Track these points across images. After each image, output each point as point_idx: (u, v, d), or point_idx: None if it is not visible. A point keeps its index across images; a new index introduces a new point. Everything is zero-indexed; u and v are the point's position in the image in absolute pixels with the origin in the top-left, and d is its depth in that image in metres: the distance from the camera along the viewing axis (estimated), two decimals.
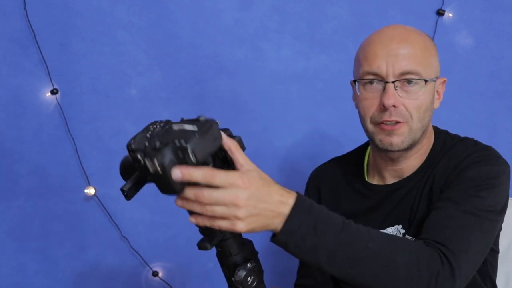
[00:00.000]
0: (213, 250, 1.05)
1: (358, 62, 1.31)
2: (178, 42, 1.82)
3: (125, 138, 1.98)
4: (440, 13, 1.88)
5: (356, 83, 1.30)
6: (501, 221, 1.24)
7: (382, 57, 1.25)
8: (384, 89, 1.25)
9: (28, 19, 1.75)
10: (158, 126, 0.93)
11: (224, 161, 0.97)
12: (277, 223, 0.97)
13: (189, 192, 0.92)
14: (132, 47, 1.80)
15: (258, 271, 1.03)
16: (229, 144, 0.96)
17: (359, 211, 1.36)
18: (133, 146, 0.90)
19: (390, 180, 1.36)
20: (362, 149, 1.46)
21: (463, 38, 1.92)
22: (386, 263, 1.02)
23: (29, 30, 1.75)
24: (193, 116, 1.92)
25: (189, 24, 1.82)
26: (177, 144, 0.86)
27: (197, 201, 0.93)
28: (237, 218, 0.93)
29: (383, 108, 1.25)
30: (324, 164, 1.51)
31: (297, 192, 1.00)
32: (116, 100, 1.81)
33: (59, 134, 1.79)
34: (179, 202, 0.95)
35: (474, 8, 1.90)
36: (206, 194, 0.91)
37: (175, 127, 0.91)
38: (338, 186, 1.44)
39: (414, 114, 1.26)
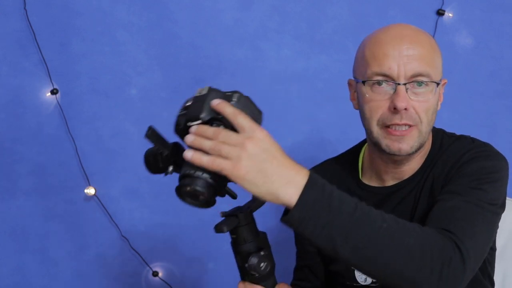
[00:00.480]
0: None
1: (364, 61, 1.26)
2: (178, 42, 1.82)
3: (125, 138, 2.01)
4: (440, 13, 1.88)
5: (363, 83, 1.25)
6: (500, 216, 1.23)
7: (393, 58, 1.21)
8: (395, 91, 1.21)
9: (28, 19, 1.75)
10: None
11: None
12: (291, 193, 0.94)
13: (208, 128, 0.95)
14: (132, 47, 1.80)
15: (270, 260, 1.05)
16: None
17: None
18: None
19: (389, 182, 1.34)
20: (356, 150, 1.43)
21: (463, 38, 1.92)
22: (400, 245, 0.99)
23: (29, 30, 1.75)
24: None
25: (189, 24, 1.82)
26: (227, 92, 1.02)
27: (211, 138, 0.94)
28: (239, 159, 0.92)
29: (394, 111, 1.21)
30: (318, 165, 1.48)
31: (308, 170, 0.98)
32: (116, 100, 1.81)
33: (59, 134, 1.79)
34: (191, 137, 0.97)
35: (474, 8, 1.90)
36: (223, 131, 0.94)
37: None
38: None
39: (424, 117, 1.23)
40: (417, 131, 1.24)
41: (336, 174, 1.40)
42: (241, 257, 1.06)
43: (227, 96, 1.01)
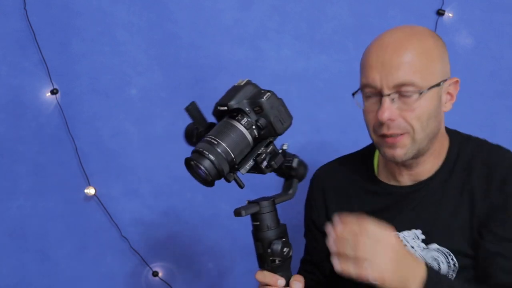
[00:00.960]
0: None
1: (360, 70, 1.28)
2: (178, 42, 1.82)
3: (125, 138, 2.00)
4: (440, 13, 1.87)
5: (359, 93, 1.27)
6: None
7: (376, 69, 1.21)
8: (380, 102, 1.22)
9: (28, 19, 1.75)
10: None
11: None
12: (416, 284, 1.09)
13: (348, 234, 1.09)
14: (132, 47, 1.80)
15: (291, 248, 1.12)
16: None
17: (371, 210, 1.34)
18: None
19: (406, 182, 1.34)
20: (370, 149, 1.43)
21: (463, 38, 1.91)
22: None
23: (29, 30, 1.75)
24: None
25: (189, 24, 1.82)
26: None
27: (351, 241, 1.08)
28: (382, 271, 1.06)
29: (380, 122, 1.22)
30: (328, 164, 1.48)
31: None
32: (116, 100, 1.81)
33: (59, 134, 1.79)
34: (332, 239, 1.11)
35: (474, 8, 1.90)
36: (361, 239, 1.07)
37: None
38: (345, 186, 1.41)
39: (416, 125, 1.22)
40: (409, 138, 1.24)
41: (349, 172, 1.42)
42: (262, 243, 1.10)
43: (261, 93, 1.08)
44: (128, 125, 1.82)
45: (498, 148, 1.32)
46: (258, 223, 1.11)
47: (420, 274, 1.09)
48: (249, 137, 1.08)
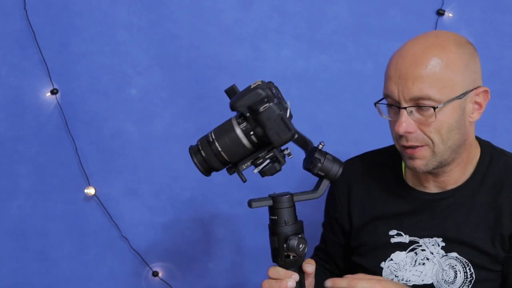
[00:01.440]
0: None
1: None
2: (178, 42, 1.82)
3: (125, 138, 2.00)
4: (440, 13, 1.87)
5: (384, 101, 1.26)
6: None
7: (394, 81, 1.20)
8: (399, 114, 1.21)
9: (28, 19, 1.75)
10: None
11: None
12: None
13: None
14: (132, 47, 1.80)
15: (307, 245, 1.13)
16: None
17: (395, 212, 1.34)
18: None
19: (432, 189, 1.32)
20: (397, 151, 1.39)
21: None
22: None
23: (29, 30, 1.75)
24: (192, 116, 1.93)
25: (189, 24, 1.82)
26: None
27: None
28: None
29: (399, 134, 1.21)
30: (357, 158, 1.45)
31: None
32: (116, 100, 1.81)
33: (59, 134, 1.79)
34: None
35: (474, 8, 1.90)
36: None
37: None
38: (371, 185, 1.40)
39: (435, 138, 1.20)
40: (429, 150, 1.22)
41: (376, 170, 1.40)
42: (279, 238, 1.11)
43: (261, 102, 1.07)
44: (128, 125, 1.82)
45: None
46: (275, 217, 1.12)
47: None
48: (245, 142, 1.09)
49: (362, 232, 1.39)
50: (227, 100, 1.90)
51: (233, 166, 1.13)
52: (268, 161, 1.12)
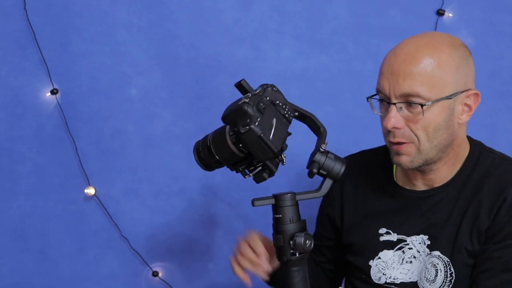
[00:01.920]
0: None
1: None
2: (178, 42, 1.82)
3: (125, 138, 2.00)
4: (440, 13, 1.87)
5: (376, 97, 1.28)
6: None
7: (386, 77, 1.23)
8: (388, 109, 1.23)
9: (28, 19, 1.75)
10: None
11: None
12: None
13: None
14: (132, 47, 1.80)
15: (312, 241, 1.13)
16: None
17: (384, 211, 1.36)
18: None
19: (420, 187, 1.34)
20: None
21: (463, 38, 1.87)
22: None
23: (29, 30, 1.75)
24: (192, 116, 1.93)
25: (189, 24, 1.82)
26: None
27: None
28: None
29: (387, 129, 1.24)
30: (348, 156, 1.46)
31: None
32: (116, 100, 1.81)
33: (59, 134, 1.79)
34: None
35: (474, 8, 1.90)
36: None
37: None
38: (364, 183, 1.41)
39: (421, 135, 1.23)
40: (414, 148, 1.24)
41: (370, 169, 1.42)
42: (284, 236, 1.12)
43: (243, 122, 1.06)
44: (128, 125, 1.82)
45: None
46: (280, 215, 1.13)
47: None
48: (235, 150, 1.11)
49: (353, 229, 1.41)
50: (227, 100, 1.90)
51: (231, 167, 1.15)
52: (259, 168, 1.13)
